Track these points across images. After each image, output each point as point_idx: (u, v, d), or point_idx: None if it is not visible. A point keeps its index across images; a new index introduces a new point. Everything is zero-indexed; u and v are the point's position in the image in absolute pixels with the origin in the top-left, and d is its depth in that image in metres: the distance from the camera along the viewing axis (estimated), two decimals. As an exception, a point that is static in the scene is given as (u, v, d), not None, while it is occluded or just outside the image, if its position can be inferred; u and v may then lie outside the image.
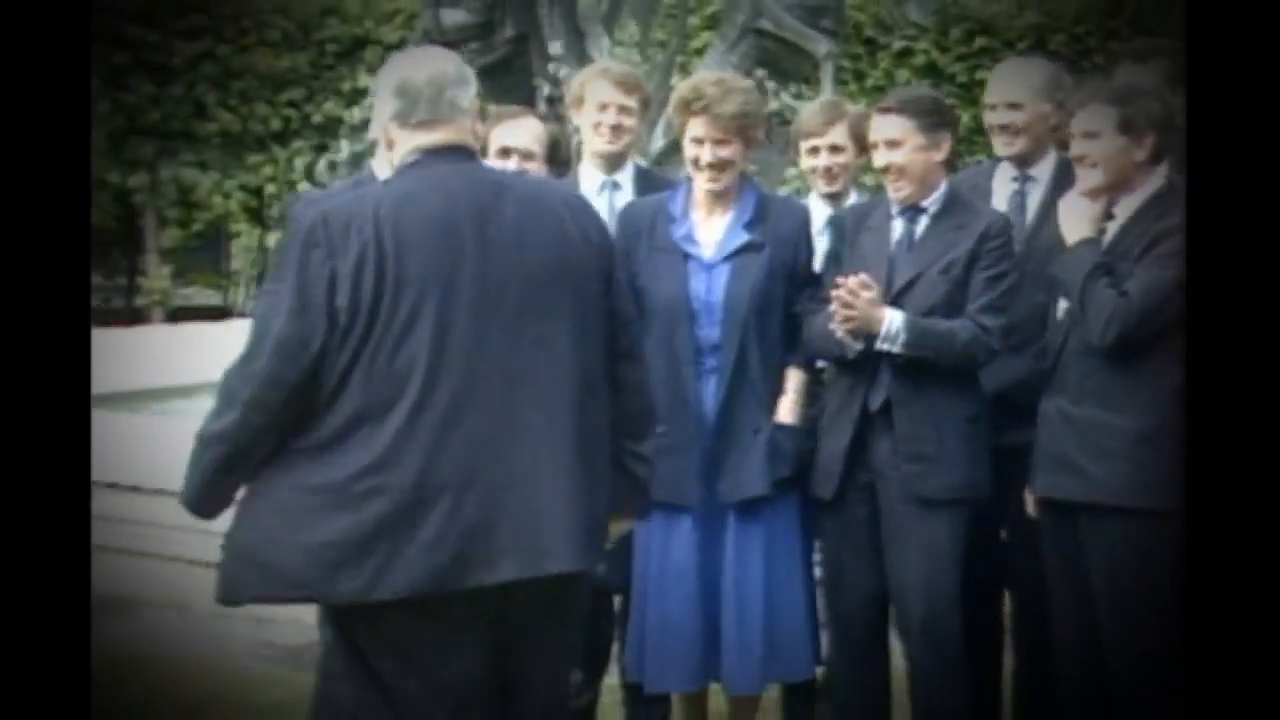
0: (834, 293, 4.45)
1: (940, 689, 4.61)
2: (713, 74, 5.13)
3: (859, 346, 4.49)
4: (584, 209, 3.83)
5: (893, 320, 4.45)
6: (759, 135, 4.79)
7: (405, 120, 3.68)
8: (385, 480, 3.40)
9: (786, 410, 4.69)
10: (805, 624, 4.75)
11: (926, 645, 4.59)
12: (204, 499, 3.57)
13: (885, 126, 4.65)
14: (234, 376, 3.51)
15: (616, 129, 5.22)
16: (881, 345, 4.47)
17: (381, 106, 3.73)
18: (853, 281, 4.42)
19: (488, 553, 3.44)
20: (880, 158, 4.66)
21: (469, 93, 3.75)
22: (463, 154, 3.72)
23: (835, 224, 4.90)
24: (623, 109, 5.22)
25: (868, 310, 4.43)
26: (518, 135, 4.86)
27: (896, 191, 4.65)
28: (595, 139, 5.22)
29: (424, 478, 3.41)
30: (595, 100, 5.23)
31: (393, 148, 3.72)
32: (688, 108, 4.68)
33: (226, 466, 3.51)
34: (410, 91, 3.69)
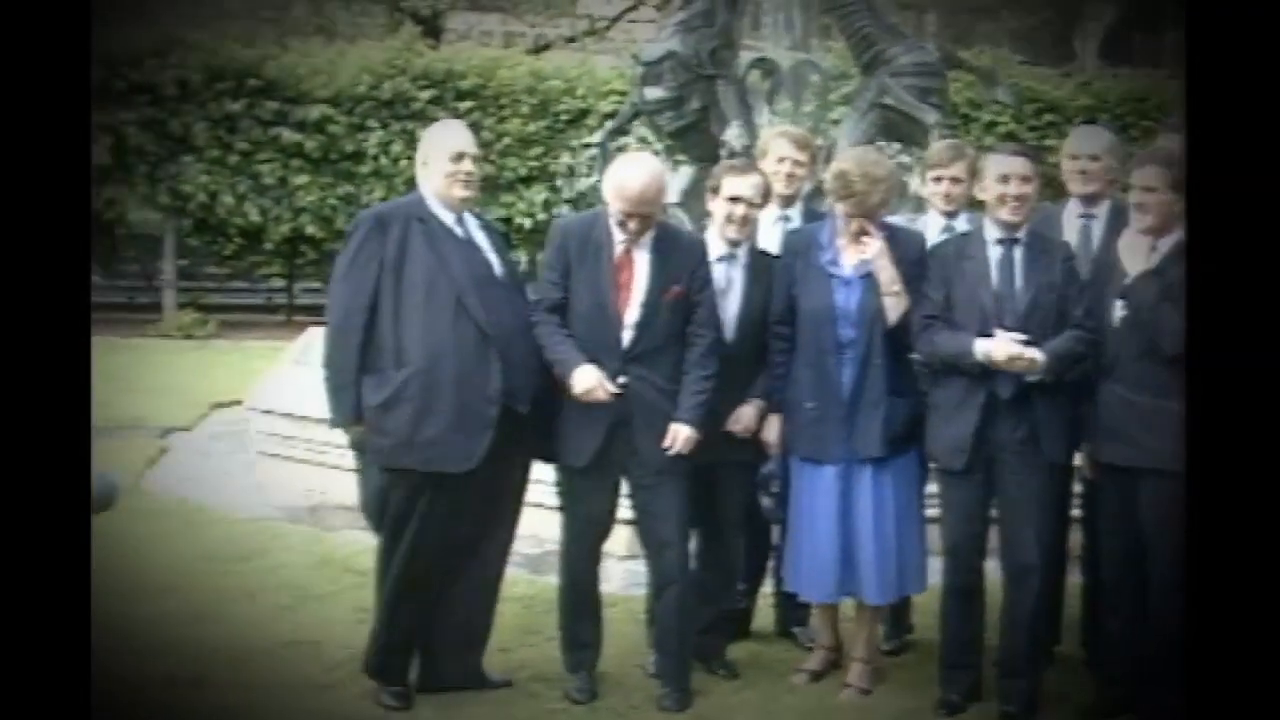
0: (1001, 357, 4.29)
1: (1035, 592, 4.47)
2: (861, 163, 4.58)
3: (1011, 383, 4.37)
4: None
5: (1039, 359, 4.30)
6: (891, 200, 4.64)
7: None
8: None
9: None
10: (920, 551, 4.65)
11: (1029, 565, 4.45)
12: None
13: (1020, 165, 4.47)
14: None
15: (790, 176, 5.10)
16: (1030, 378, 4.34)
17: None
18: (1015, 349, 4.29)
19: None
20: (1014, 188, 4.45)
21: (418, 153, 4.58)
22: None
23: (938, 253, 4.64)
24: (796, 162, 5.10)
25: (1029, 364, 4.29)
26: (745, 187, 4.72)
27: (1014, 216, 4.45)
28: (773, 183, 5.06)
29: None
30: (775, 154, 5.11)
31: None
32: (842, 196, 4.52)
33: None
34: None
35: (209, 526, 6.53)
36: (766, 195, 4.81)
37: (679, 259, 4.55)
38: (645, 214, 4.48)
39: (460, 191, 4.47)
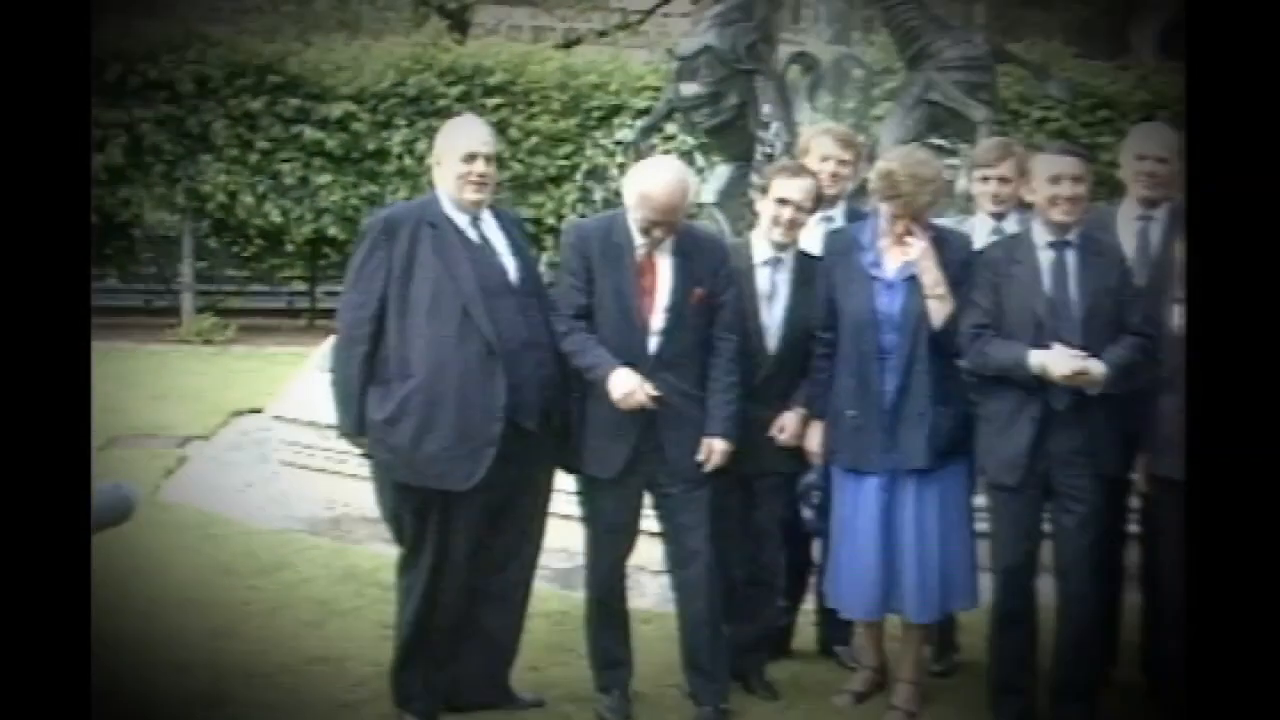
0: (1062, 371, 4.25)
1: (1091, 612, 4.45)
2: (907, 163, 4.56)
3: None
4: None
5: (1100, 373, 4.27)
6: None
7: None
8: None
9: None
10: (969, 566, 4.62)
11: (1084, 583, 4.41)
12: None
13: (1072, 165, 4.44)
14: None
15: (834, 176, 5.10)
16: (1091, 392, 4.30)
17: None
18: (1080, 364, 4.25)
19: None
20: (1066, 189, 4.40)
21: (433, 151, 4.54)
22: None
23: (985, 257, 4.61)
24: (840, 161, 5.11)
25: (1090, 378, 4.26)
26: (795, 190, 4.73)
27: (1067, 217, 4.41)
28: None
29: None
30: (819, 153, 5.12)
31: None
32: (888, 197, 4.50)
33: None
34: None
35: (228, 539, 6.58)
36: (817, 200, 4.82)
37: (702, 260, 4.58)
38: (671, 221, 4.50)
39: (472, 194, 4.43)
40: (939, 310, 4.47)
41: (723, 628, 4.63)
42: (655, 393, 4.42)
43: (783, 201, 4.70)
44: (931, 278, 4.47)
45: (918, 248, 4.48)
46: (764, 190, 4.78)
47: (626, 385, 4.40)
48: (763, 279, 4.73)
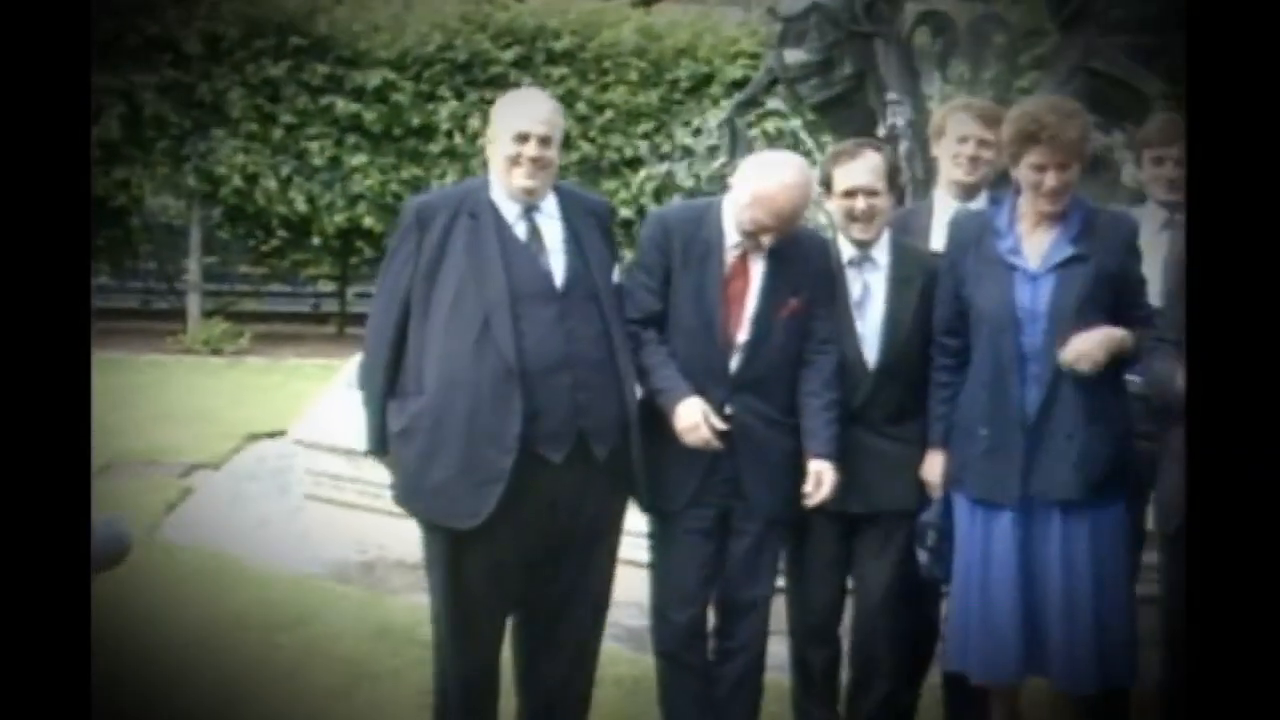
0: None
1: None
2: (1044, 101, 4.69)
3: None
4: None
5: None
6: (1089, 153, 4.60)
7: None
8: None
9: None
10: (1129, 632, 4.54)
11: None
12: None
13: None
14: None
15: (975, 160, 5.10)
16: None
17: None
18: None
19: None
20: None
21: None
22: None
23: (1173, 256, 4.54)
24: (982, 142, 5.08)
25: None
26: (861, 175, 4.72)
27: None
28: (954, 169, 5.09)
29: None
30: (956, 133, 5.11)
31: None
32: (1030, 138, 4.43)
33: None
34: None
35: (242, 586, 6.65)
36: (893, 177, 4.85)
37: (801, 263, 4.63)
38: (786, 229, 4.54)
39: (521, 180, 4.42)
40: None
41: (761, 685, 4.76)
42: (723, 426, 4.46)
43: (850, 193, 4.71)
44: (1113, 348, 4.40)
45: (1084, 350, 4.36)
46: (826, 186, 4.79)
47: (689, 418, 4.45)
48: (852, 282, 4.75)
